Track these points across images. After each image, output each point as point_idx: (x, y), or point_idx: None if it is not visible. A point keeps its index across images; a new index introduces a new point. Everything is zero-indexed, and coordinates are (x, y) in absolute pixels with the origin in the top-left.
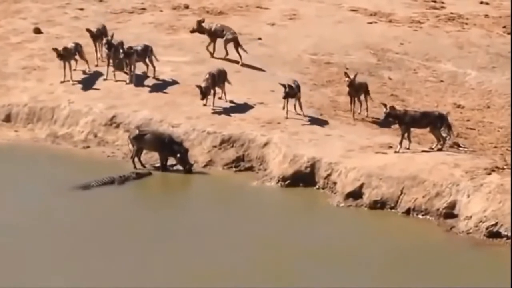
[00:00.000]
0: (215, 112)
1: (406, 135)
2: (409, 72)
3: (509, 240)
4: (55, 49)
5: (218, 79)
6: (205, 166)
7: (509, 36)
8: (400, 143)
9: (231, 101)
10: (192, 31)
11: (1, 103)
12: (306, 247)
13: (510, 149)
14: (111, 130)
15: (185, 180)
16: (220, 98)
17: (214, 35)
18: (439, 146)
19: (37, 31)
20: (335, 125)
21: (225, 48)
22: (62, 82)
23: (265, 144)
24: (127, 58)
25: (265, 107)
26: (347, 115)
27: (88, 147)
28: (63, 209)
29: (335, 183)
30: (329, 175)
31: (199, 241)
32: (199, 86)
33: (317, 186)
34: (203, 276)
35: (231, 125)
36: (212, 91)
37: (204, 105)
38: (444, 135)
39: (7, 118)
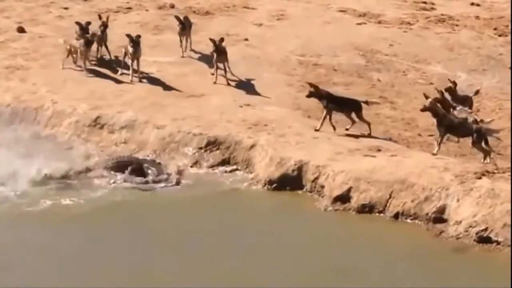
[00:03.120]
0: (200, 114)
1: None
2: (399, 74)
3: (499, 245)
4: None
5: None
6: (191, 167)
7: (500, 38)
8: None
9: (217, 103)
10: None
11: None
12: (290, 252)
13: (499, 153)
14: (95, 131)
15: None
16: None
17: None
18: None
19: (21, 30)
20: (323, 128)
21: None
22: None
23: (252, 147)
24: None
25: (252, 109)
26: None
27: (71, 148)
28: None
29: (322, 187)
30: (316, 178)
31: (181, 245)
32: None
33: (304, 190)
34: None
35: (217, 126)
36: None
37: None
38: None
39: None
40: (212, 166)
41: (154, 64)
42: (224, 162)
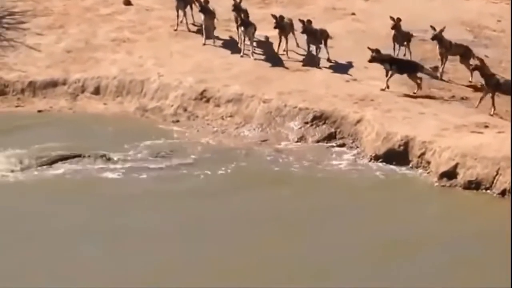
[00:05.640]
0: (306, 89)
1: None
2: (506, 50)
3: None
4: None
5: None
6: (296, 142)
7: None
8: None
9: (322, 78)
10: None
11: (90, 75)
12: (395, 227)
13: None
14: (201, 105)
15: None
16: None
17: None
18: None
19: (127, 3)
20: (429, 103)
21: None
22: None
23: (358, 121)
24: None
25: (358, 84)
26: (441, 93)
27: (178, 121)
28: None
29: (428, 163)
30: (422, 154)
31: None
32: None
33: (410, 165)
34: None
35: (323, 101)
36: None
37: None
38: None
39: (96, 91)
40: (317, 141)
41: (261, 38)
42: (330, 137)
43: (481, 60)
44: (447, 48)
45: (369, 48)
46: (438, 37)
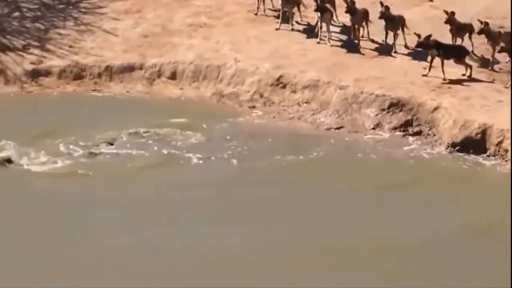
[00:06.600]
0: (383, 75)
1: None
2: None
3: None
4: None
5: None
6: (372, 129)
7: None
8: None
9: (400, 64)
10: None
11: (166, 60)
12: (470, 217)
13: None
14: (277, 90)
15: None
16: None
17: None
18: None
19: None
20: (508, 92)
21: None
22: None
23: (435, 109)
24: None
25: (435, 71)
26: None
27: (254, 107)
28: None
29: (506, 151)
30: (500, 142)
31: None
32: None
33: (487, 153)
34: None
35: (400, 88)
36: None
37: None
38: None
39: (173, 76)
40: (394, 128)
41: (339, 24)
42: (407, 124)
43: None
44: (495, 40)
45: (415, 33)
46: (485, 31)
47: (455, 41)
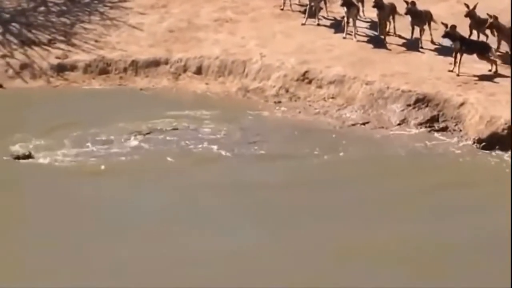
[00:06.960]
0: (409, 71)
1: None
2: None
3: None
4: None
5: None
6: (398, 125)
7: None
8: None
9: (426, 60)
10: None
11: (192, 55)
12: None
13: None
14: (303, 86)
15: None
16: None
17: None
18: None
19: None
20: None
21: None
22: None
23: (461, 104)
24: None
25: (462, 67)
26: None
27: (280, 102)
28: None
29: None
30: None
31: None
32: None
33: None
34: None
35: (426, 83)
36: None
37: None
38: None
39: (198, 71)
40: (420, 124)
41: (365, 20)
42: (433, 120)
43: None
44: (506, 33)
45: (442, 23)
46: (494, 25)
47: (478, 37)
